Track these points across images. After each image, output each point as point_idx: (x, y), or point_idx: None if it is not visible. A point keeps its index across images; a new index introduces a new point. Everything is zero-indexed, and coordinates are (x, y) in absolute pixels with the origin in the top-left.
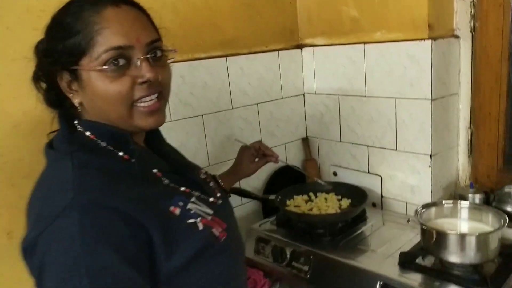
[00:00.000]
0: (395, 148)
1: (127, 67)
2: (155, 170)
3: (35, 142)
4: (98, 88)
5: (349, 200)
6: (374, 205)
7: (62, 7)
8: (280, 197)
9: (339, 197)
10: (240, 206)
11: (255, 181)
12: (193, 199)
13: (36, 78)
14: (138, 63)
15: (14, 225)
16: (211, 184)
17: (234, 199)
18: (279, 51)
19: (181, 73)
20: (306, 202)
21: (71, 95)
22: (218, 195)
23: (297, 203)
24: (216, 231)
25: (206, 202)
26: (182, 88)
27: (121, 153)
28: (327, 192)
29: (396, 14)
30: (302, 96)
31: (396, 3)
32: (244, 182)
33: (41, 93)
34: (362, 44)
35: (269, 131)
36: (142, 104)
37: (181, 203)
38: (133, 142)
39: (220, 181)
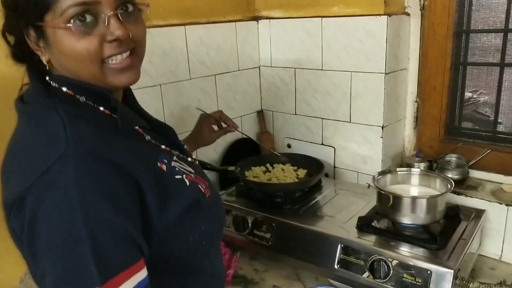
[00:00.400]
0: (349, 120)
1: (95, 24)
2: (136, 127)
3: None
4: (64, 46)
5: (305, 171)
6: (326, 175)
7: None
8: (239, 168)
9: (295, 167)
10: None
11: (212, 153)
12: (174, 157)
13: (4, 31)
14: (106, 19)
15: None
16: (186, 146)
17: None
18: (236, 22)
19: None
20: (264, 173)
21: (39, 52)
22: (194, 156)
23: (255, 174)
24: (201, 187)
25: (186, 161)
26: None
27: (101, 108)
28: (283, 163)
29: None
30: (258, 69)
31: None
32: (201, 154)
33: (9, 47)
34: (320, 18)
35: (227, 103)
36: (113, 62)
37: (165, 160)
38: (114, 99)
39: None
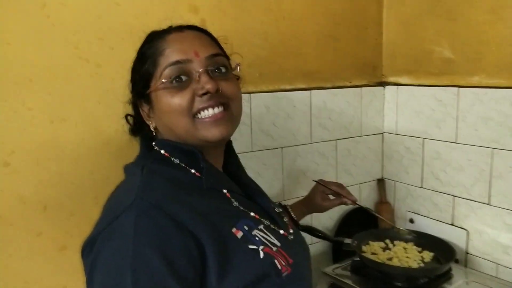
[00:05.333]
0: (488, 202)
1: (189, 81)
2: (224, 190)
3: (122, 161)
4: (163, 104)
5: (432, 253)
6: (456, 261)
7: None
8: (356, 241)
9: (420, 248)
10: (309, 246)
11: (326, 221)
12: (261, 226)
13: (127, 115)
14: (198, 76)
15: None
16: (285, 219)
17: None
18: (362, 88)
19: (265, 103)
20: (383, 249)
21: (149, 122)
22: (291, 231)
23: (374, 250)
24: (279, 263)
25: (276, 233)
26: (265, 118)
27: (193, 170)
28: (406, 241)
29: (498, 59)
30: (381, 135)
31: (499, 47)
32: (316, 221)
33: (130, 126)
34: (456, 88)
35: (345, 169)
36: (204, 115)
37: (246, 228)
38: (204, 160)
39: (291, 211)
